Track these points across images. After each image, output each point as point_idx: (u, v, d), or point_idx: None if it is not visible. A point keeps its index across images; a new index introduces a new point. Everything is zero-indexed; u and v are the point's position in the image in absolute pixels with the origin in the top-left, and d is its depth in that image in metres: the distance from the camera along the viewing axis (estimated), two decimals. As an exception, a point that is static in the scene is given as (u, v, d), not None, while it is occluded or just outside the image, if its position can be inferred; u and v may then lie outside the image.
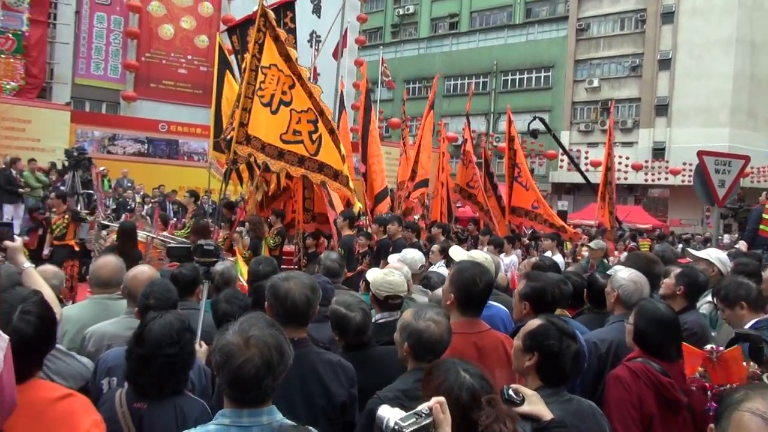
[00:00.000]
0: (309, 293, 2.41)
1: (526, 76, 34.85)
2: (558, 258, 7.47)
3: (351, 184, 6.78)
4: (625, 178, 27.95)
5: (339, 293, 3.28)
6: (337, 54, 22.77)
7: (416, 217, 11.56)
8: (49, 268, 3.56)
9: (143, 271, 3.07)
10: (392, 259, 4.56)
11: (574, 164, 18.00)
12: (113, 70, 20.49)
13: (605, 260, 7.84)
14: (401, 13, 39.86)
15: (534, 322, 2.27)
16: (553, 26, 34.84)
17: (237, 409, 1.72)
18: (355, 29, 24.91)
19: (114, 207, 12.67)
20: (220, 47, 9.42)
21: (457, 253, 3.81)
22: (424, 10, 39.13)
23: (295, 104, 6.72)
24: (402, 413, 1.36)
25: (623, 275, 3.32)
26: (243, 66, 7.60)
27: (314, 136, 6.72)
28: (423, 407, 1.38)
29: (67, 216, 8.47)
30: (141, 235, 8.25)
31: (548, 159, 28.94)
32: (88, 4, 19.98)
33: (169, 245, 5.63)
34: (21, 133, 15.50)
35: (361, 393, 2.46)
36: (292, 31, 8.56)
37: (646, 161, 28.89)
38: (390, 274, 3.27)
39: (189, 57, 21.22)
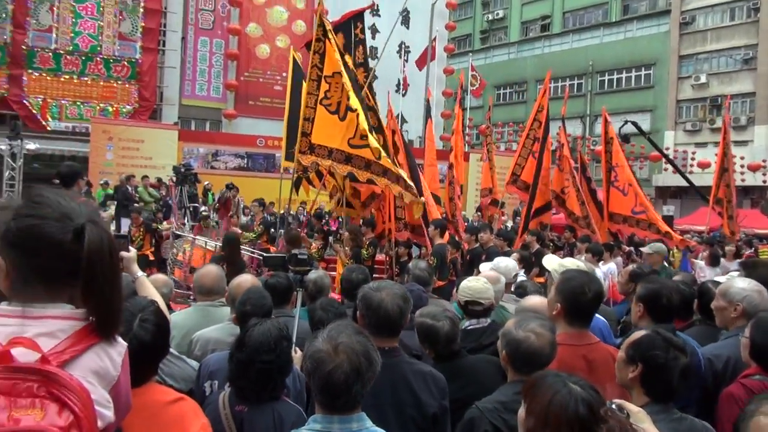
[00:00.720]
0: (401, 303, 2.41)
1: (624, 75, 33.20)
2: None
3: (409, 190, 6.62)
4: (742, 180, 25.82)
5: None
6: (423, 63, 22.90)
7: (509, 224, 11.29)
8: (160, 277, 3.82)
9: (246, 279, 3.22)
10: (485, 267, 4.47)
11: (674, 167, 16.85)
12: (215, 90, 21.79)
13: (666, 264, 7.20)
14: (490, 18, 39.38)
15: (638, 333, 2.15)
16: (653, 21, 32.99)
17: (328, 415, 1.74)
18: (444, 37, 24.92)
19: (216, 219, 13.40)
20: (294, 60, 9.65)
21: (550, 261, 3.69)
22: (514, 13, 38.43)
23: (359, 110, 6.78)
24: None
25: (741, 285, 3.02)
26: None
27: (380, 141, 6.82)
28: None
29: (142, 228, 9.27)
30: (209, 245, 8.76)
31: (651, 162, 27.36)
32: (193, 30, 21.41)
33: (265, 255, 5.85)
34: (135, 152, 16.88)
35: (454, 404, 2.41)
36: (362, 42, 8.65)
37: (764, 161, 26.56)
38: (474, 280, 3.22)
39: (284, 74, 22.10)
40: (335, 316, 3.10)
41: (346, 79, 6.67)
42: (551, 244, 10.17)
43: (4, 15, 18.65)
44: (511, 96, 37.07)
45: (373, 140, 6.48)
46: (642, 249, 7.68)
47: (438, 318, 2.73)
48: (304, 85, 7.92)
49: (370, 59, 9.14)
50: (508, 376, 2.24)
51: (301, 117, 6.93)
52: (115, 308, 1.33)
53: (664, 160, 24.47)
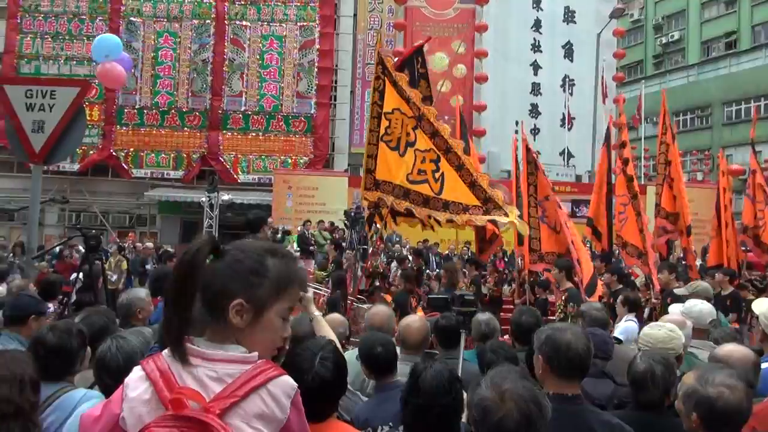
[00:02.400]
0: (590, 344, 2.24)
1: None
2: None
3: (508, 216, 6.19)
4: None
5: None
6: (604, 95, 21.90)
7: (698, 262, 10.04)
8: (336, 317, 3.98)
9: (415, 320, 3.24)
10: (674, 309, 4.01)
11: None
12: (382, 137, 22.90)
13: None
14: (664, 41, 36.69)
15: None
16: None
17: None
18: (612, 66, 23.71)
19: (385, 260, 13.85)
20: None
21: (760, 305, 3.21)
22: (692, 33, 35.39)
23: (418, 144, 6.65)
24: None
25: None
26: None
27: (437, 175, 6.54)
28: None
29: None
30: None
31: None
32: (361, 84, 22.88)
33: (430, 296, 5.86)
34: (311, 198, 18.30)
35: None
36: (424, 76, 8.48)
37: None
38: (657, 327, 2.87)
39: (446, 117, 22.54)
40: (505, 359, 2.97)
41: (410, 113, 6.63)
42: (749, 284, 8.93)
43: (204, 86, 21.61)
44: (693, 122, 33.85)
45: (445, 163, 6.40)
46: None
47: (647, 358, 2.49)
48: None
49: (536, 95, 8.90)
50: None
51: (365, 154, 6.99)
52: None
53: None
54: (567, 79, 23.18)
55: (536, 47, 23.19)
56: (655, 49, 37.44)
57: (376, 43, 7.60)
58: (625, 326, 4.85)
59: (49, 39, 21.69)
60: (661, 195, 9.65)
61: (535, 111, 22.90)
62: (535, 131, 22.67)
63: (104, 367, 2.17)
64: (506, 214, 6.22)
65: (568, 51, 23.45)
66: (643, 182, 20.36)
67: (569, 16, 23.50)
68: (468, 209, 6.35)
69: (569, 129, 22.85)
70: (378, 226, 7.48)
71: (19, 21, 21.82)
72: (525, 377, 1.69)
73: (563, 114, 22.85)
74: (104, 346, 2.24)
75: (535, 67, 23.18)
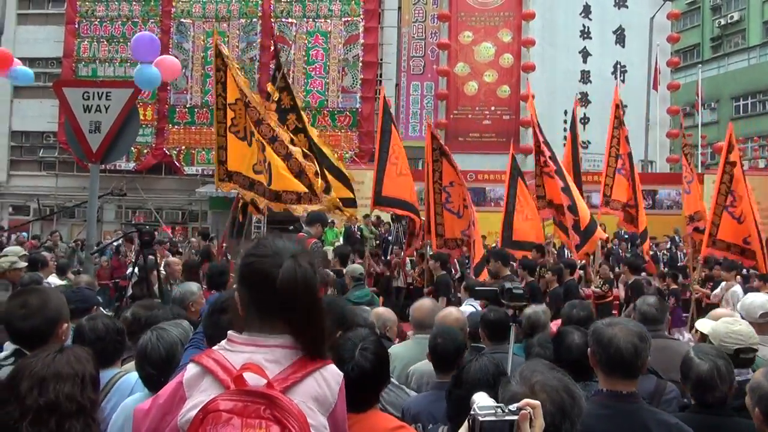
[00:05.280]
0: (637, 341, 2.15)
1: None
2: None
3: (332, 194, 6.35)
4: None
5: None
6: (656, 82, 21.16)
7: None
8: (384, 310, 4.00)
9: (450, 312, 3.22)
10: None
11: None
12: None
13: None
14: (723, 23, 35.02)
15: None
16: None
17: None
18: (666, 51, 22.82)
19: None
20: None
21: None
22: (754, 13, 33.64)
23: (256, 133, 6.60)
24: (489, 401, 1.29)
25: None
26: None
27: (264, 165, 6.46)
28: (512, 405, 1.28)
29: None
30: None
31: None
32: (405, 77, 22.81)
33: (476, 288, 5.79)
34: (357, 192, 18.20)
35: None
36: (285, 88, 8.04)
37: None
38: (735, 323, 2.74)
39: (492, 108, 22.28)
40: (552, 353, 2.92)
41: (254, 102, 6.57)
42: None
43: (252, 83, 21.99)
44: (754, 107, 32.26)
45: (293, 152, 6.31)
46: None
47: (705, 354, 2.38)
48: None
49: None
50: None
51: (216, 145, 6.96)
52: (314, 338, 1.41)
53: None
54: (618, 66, 22.45)
55: (586, 34, 22.53)
56: (713, 31, 35.79)
57: (212, 37, 7.46)
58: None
59: (105, 42, 22.53)
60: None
61: (584, 99, 22.29)
62: (585, 120, 22.06)
63: (146, 358, 2.25)
64: (321, 203, 6.27)
65: (620, 36, 22.68)
66: (700, 170, 19.57)
67: (621, 0, 22.74)
68: (301, 198, 6.28)
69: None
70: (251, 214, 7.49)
71: (76, 26, 22.77)
72: (554, 368, 1.64)
73: (620, 103, 22.12)
74: (145, 337, 2.31)
75: (585, 54, 22.53)
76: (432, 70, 22.55)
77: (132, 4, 22.64)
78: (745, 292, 6.90)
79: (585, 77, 22.48)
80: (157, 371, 2.17)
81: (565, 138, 20.06)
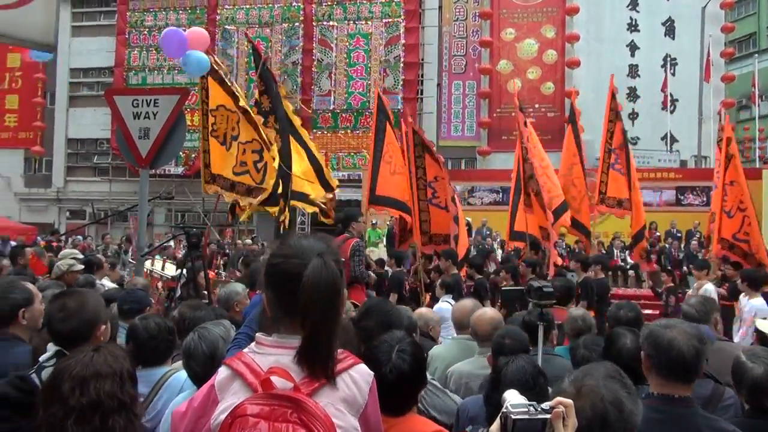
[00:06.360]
0: (697, 344, 2.06)
1: None
2: None
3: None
4: None
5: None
6: (707, 74, 20.42)
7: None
8: (426, 310, 3.99)
9: (485, 312, 3.17)
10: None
11: None
12: (469, 130, 22.60)
13: None
14: (780, 11, 33.43)
15: None
16: None
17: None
18: (720, 42, 21.94)
19: (475, 253, 13.66)
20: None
21: None
22: (813, 0, 32.02)
23: (241, 137, 6.94)
24: (521, 399, 1.28)
25: None
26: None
27: (259, 166, 6.86)
28: (545, 404, 1.26)
29: None
30: None
31: None
32: (447, 76, 22.69)
33: (504, 288, 5.72)
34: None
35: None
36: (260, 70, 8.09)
37: None
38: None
39: (536, 105, 21.91)
40: (598, 355, 2.83)
41: (234, 108, 6.95)
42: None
43: (295, 87, 22.30)
44: (817, 97, 30.64)
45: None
46: None
47: (754, 358, 2.28)
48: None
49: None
50: None
51: (201, 149, 7.28)
52: (323, 341, 1.36)
53: None
54: (668, 59, 21.71)
55: (633, 26, 21.89)
56: (770, 20, 34.18)
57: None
58: None
59: (154, 51, 23.25)
60: None
61: (632, 94, 21.65)
62: (633, 116, 21.43)
63: (191, 356, 2.34)
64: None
65: (669, 28, 21.93)
66: (757, 165, 18.75)
67: (670, -10, 22.00)
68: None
69: (671, 112, 21.40)
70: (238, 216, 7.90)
71: (127, 36, 23.60)
72: (614, 376, 1.57)
73: (664, 96, 21.43)
74: (189, 337, 2.41)
75: (632, 47, 21.89)
76: (474, 69, 22.35)
77: (179, 13, 23.31)
78: None
79: (633, 71, 21.84)
80: (201, 367, 2.26)
81: (612, 134, 19.58)
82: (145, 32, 23.50)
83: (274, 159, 6.87)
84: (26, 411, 1.88)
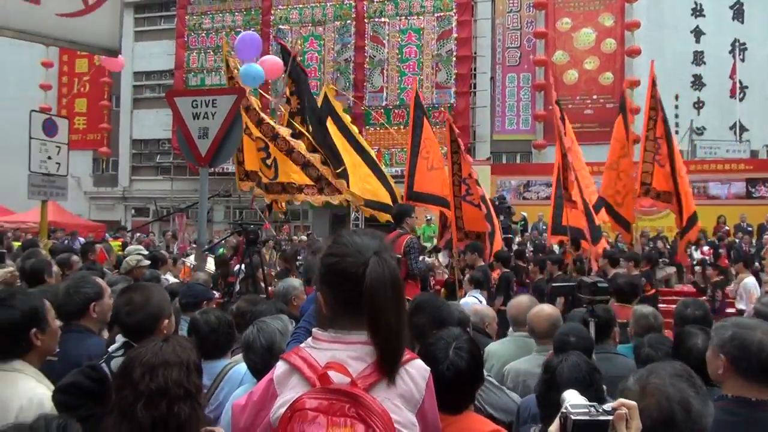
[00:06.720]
0: None
1: None
2: None
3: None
4: None
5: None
6: None
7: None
8: (484, 308, 3.95)
9: (543, 309, 3.10)
10: None
11: None
12: (524, 123, 22.17)
13: None
14: None
15: None
16: None
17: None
18: (793, 24, 20.67)
19: (532, 249, 13.41)
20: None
21: None
22: None
23: (252, 132, 7.35)
24: (581, 399, 1.25)
25: None
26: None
27: (268, 162, 7.12)
28: (607, 405, 1.23)
29: None
30: None
31: None
32: (501, 69, 22.32)
33: (554, 284, 5.61)
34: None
35: None
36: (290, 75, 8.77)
37: None
38: None
39: (594, 96, 21.28)
40: (666, 355, 2.72)
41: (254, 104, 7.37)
42: None
43: (347, 84, 22.47)
44: None
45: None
46: None
47: None
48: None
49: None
50: None
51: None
52: (394, 339, 1.37)
53: None
54: (737, 44, 20.62)
55: (698, 11, 20.91)
56: None
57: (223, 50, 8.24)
58: None
59: (211, 53, 23.94)
60: None
61: (698, 82, 20.70)
62: (698, 105, 20.50)
63: (250, 349, 2.42)
64: (339, 191, 6.98)
65: (738, 11, 20.83)
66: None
67: (738, -28, 20.90)
68: (302, 189, 7.20)
69: (741, 99, 20.32)
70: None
71: (186, 39, 24.38)
72: (681, 375, 1.51)
73: (733, 83, 20.37)
74: (248, 331, 2.49)
75: (697, 33, 20.91)
76: (528, 61, 21.90)
77: (235, 15, 23.88)
78: None
79: (698, 58, 20.88)
80: (260, 359, 2.34)
81: (677, 125, 18.78)
82: (203, 35, 24.21)
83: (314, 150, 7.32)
84: (98, 398, 1.99)
